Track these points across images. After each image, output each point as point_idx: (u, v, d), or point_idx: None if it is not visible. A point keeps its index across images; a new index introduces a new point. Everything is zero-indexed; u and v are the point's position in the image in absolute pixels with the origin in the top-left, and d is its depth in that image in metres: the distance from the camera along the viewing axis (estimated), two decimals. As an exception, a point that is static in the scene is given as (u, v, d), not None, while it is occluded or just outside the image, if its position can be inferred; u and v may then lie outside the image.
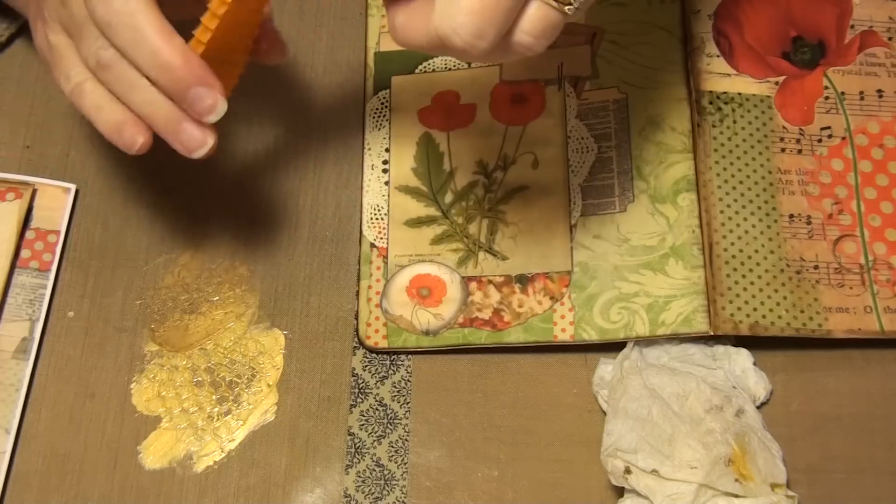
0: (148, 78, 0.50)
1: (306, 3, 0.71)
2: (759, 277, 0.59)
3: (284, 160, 0.67)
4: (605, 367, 0.60)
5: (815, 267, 0.60)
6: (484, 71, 0.67)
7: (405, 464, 0.60)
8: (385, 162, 0.66)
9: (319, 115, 0.68)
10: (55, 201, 0.65)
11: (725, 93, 0.63)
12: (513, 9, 0.45)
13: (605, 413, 0.59)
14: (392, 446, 0.60)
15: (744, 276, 0.59)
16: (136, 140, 0.52)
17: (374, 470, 0.60)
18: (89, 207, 0.66)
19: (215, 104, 0.51)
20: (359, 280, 0.64)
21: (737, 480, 0.54)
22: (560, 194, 0.63)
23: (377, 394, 0.61)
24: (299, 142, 0.67)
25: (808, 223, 0.61)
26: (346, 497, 0.59)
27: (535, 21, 0.46)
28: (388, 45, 0.68)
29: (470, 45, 0.45)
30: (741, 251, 0.60)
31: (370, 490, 0.59)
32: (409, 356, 0.62)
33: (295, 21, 0.71)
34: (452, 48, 0.46)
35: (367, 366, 0.62)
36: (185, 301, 0.64)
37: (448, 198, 0.65)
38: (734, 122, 0.62)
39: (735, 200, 0.61)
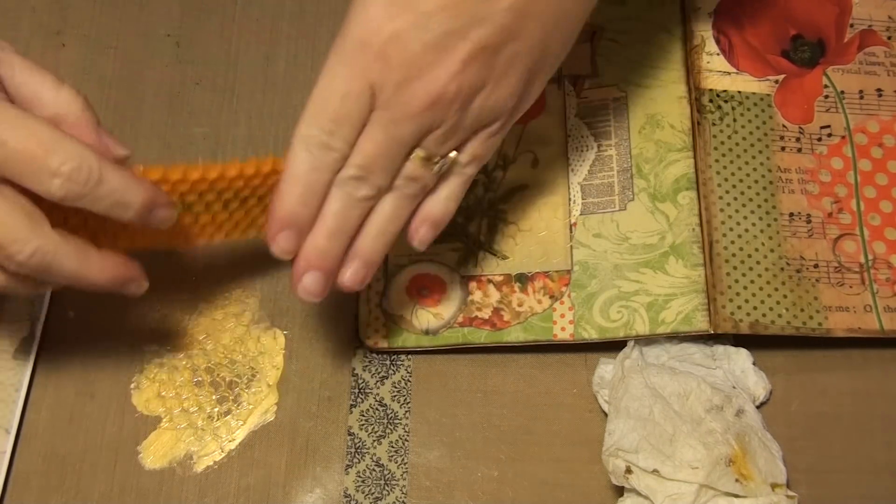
0: None
1: (306, 3, 0.71)
2: (759, 276, 0.59)
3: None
4: (605, 367, 0.60)
5: (815, 266, 0.60)
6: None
7: (405, 464, 0.60)
8: (385, 161, 0.66)
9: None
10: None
11: (725, 91, 0.63)
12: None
13: (604, 413, 0.59)
14: (392, 446, 0.60)
15: (744, 275, 0.59)
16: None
17: (374, 470, 0.60)
18: (89, 207, 0.66)
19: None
20: (359, 280, 0.63)
21: (737, 480, 0.54)
22: (560, 193, 0.63)
23: (377, 394, 0.61)
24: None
25: (808, 222, 0.61)
26: (346, 497, 0.59)
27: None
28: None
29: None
30: (741, 249, 0.60)
31: (370, 490, 0.59)
32: (409, 356, 0.62)
33: (295, 21, 0.71)
34: None
35: (367, 366, 0.62)
36: (185, 301, 0.64)
37: (448, 197, 0.64)
38: (734, 120, 0.62)
39: (735, 199, 0.61)
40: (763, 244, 0.60)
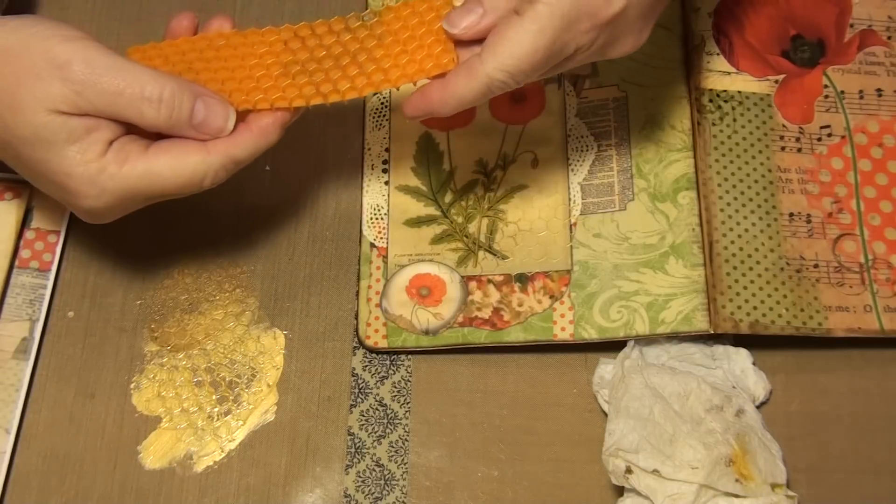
0: None
1: (306, 4, 0.71)
2: (759, 276, 0.59)
3: (285, 160, 0.67)
4: (605, 367, 0.60)
5: (815, 266, 0.60)
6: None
7: (405, 464, 0.60)
8: (385, 162, 0.66)
9: (319, 116, 0.68)
10: (55, 201, 0.65)
11: (725, 91, 0.63)
12: None
13: (604, 413, 0.59)
14: (392, 446, 0.60)
15: (744, 275, 0.59)
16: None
17: (374, 470, 0.60)
18: (89, 207, 0.66)
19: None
20: (359, 280, 0.64)
21: (737, 480, 0.54)
22: (560, 193, 0.63)
23: (377, 394, 0.61)
24: (299, 142, 0.67)
25: (808, 222, 0.61)
26: (346, 497, 0.59)
27: None
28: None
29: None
30: (741, 249, 0.60)
31: (370, 490, 0.59)
32: (409, 356, 0.62)
33: (295, 21, 0.70)
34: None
35: (367, 366, 0.62)
36: (185, 301, 0.64)
37: (448, 197, 0.65)
38: (734, 120, 0.62)
39: (735, 199, 0.61)
40: (763, 244, 0.60)
